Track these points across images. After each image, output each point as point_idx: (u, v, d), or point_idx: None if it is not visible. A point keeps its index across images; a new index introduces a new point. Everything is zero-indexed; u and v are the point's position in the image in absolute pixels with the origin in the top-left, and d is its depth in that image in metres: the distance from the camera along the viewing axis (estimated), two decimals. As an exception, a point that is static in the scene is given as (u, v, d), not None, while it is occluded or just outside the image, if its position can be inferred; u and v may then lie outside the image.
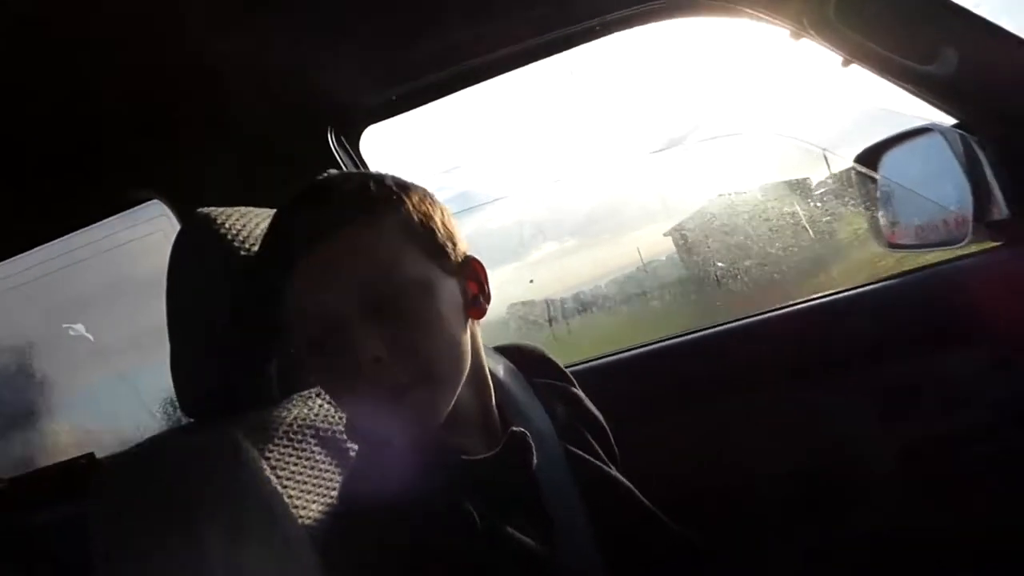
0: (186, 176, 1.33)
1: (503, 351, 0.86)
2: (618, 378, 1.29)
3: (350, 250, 0.64)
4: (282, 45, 1.11)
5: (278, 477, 0.66)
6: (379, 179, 0.69)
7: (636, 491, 0.80)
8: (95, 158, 1.30)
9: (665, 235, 1.93)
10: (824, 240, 1.71)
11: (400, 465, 0.66)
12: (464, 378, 0.69)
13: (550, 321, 1.88)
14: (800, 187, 1.80)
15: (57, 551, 1.35)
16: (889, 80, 1.14)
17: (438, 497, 0.65)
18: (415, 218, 0.68)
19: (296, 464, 0.71)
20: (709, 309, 1.84)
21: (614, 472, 0.81)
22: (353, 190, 0.67)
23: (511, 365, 0.84)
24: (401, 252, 0.66)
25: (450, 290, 0.69)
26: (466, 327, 0.70)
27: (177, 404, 0.72)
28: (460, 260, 0.72)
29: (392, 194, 0.68)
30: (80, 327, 1.60)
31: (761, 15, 1.14)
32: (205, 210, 0.74)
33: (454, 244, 0.71)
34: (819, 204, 1.73)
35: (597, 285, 2.04)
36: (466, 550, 0.63)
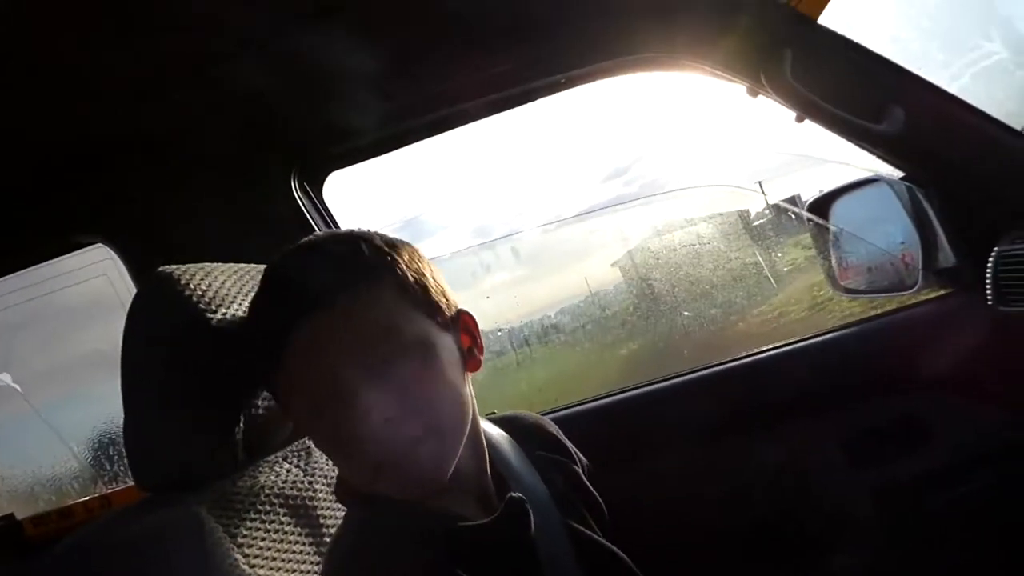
0: (136, 221, 1.28)
1: (499, 422, 0.85)
2: (584, 425, 1.28)
3: (349, 316, 0.63)
4: (251, 89, 1.09)
5: (245, 555, 0.62)
6: (369, 239, 0.68)
7: (632, 565, 0.78)
8: (39, 199, 1.24)
9: (612, 266, 2.01)
10: (759, 267, 1.79)
11: (393, 530, 0.64)
12: (467, 432, 0.68)
13: (515, 349, 1.90)
14: (739, 219, 1.86)
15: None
16: (841, 136, 1.19)
17: (433, 565, 0.62)
18: (409, 277, 0.67)
19: (264, 539, 0.66)
20: (660, 340, 1.88)
21: (611, 546, 0.79)
22: (346, 254, 0.65)
23: (505, 434, 0.82)
24: (399, 313, 0.65)
25: (447, 345, 0.69)
26: (465, 381, 0.70)
27: (131, 470, 0.67)
28: (453, 314, 0.72)
29: (385, 255, 0.67)
30: (6, 377, 1.51)
31: (722, 73, 1.18)
32: (167, 269, 0.71)
33: (447, 299, 0.71)
34: (755, 235, 1.81)
35: (546, 315, 2.10)
36: None
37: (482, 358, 0.74)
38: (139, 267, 1.27)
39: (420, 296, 0.68)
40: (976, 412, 1.18)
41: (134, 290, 1.30)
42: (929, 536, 1.15)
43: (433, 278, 0.70)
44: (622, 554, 0.78)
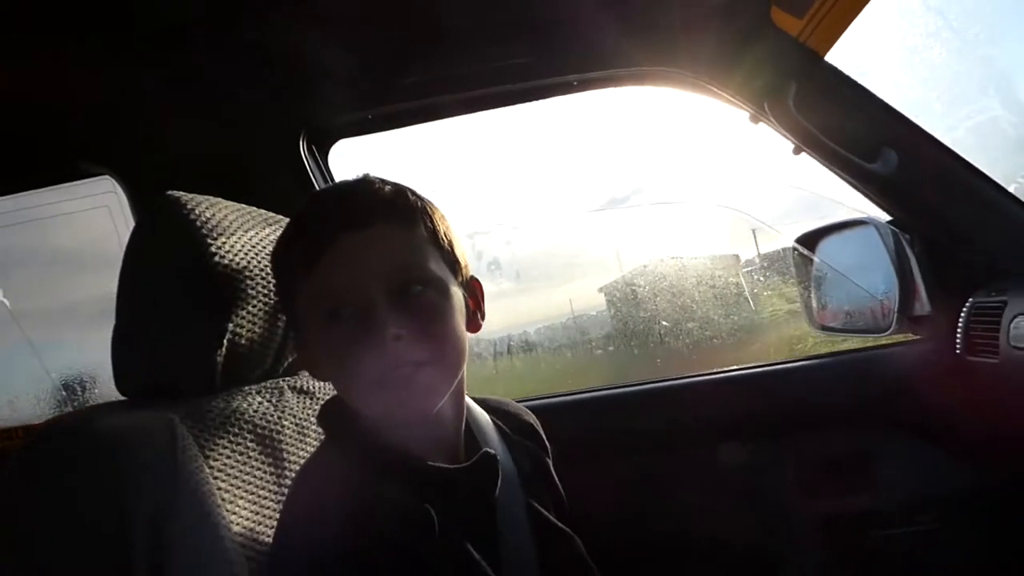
0: (145, 159, 1.31)
1: (480, 402, 0.89)
2: (561, 417, 1.31)
3: (383, 239, 0.70)
4: (271, 43, 1.12)
5: (210, 468, 0.65)
6: (411, 189, 0.76)
7: (583, 551, 0.82)
8: (54, 123, 1.27)
9: (599, 291, 2.01)
10: (744, 314, 1.80)
11: (368, 461, 0.68)
12: (457, 380, 0.74)
13: (495, 356, 1.92)
14: (729, 262, 1.90)
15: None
16: (834, 171, 1.23)
17: (403, 498, 0.66)
18: (439, 229, 0.75)
19: (230, 458, 0.69)
20: (630, 366, 1.90)
21: (567, 529, 0.83)
22: (391, 193, 0.74)
23: (483, 411, 0.87)
24: (427, 253, 0.73)
25: (459, 297, 0.76)
26: (465, 335, 0.76)
27: (115, 380, 0.70)
28: (467, 277, 0.79)
29: (423, 204, 0.76)
30: (-1, 293, 1.53)
31: (727, 95, 1.23)
32: (175, 194, 0.74)
33: (463, 262, 0.78)
34: (743, 281, 1.83)
35: (526, 331, 2.10)
36: (421, 550, 0.63)
37: (482, 324, 0.80)
38: (141, 203, 1.30)
39: (445, 248, 0.75)
40: (929, 456, 1.22)
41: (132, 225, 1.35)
42: (864, 571, 1.19)
43: (455, 241, 0.78)
44: (576, 538, 0.82)
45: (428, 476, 0.70)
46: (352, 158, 1.48)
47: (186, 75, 1.23)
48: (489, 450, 0.74)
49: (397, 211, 0.72)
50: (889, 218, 1.30)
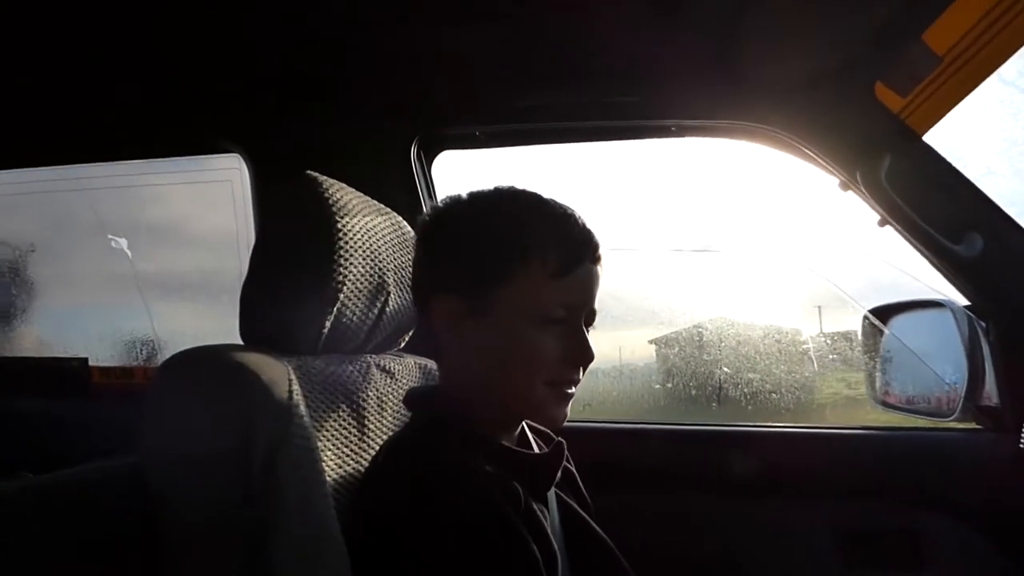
0: (274, 144, 1.44)
1: None
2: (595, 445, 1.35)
3: (599, 283, 0.83)
4: (401, 53, 1.23)
5: (310, 414, 0.73)
6: None
7: (605, 538, 0.87)
8: (202, 99, 1.41)
9: (650, 342, 1.98)
10: (798, 393, 1.73)
11: (460, 442, 0.77)
12: None
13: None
14: (792, 335, 1.85)
15: (38, 442, 1.39)
16: (917, 248, 1.25)
17: (494, 470, 0.74)
18: None
19: (324, 412, 0.77)
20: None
21: (599, 529, 0.90)
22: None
23: None
24: None
25: None
26: None
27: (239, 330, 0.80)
28: None
29: None
30: (123, 242, 1.69)
31: (821, 159, 1.26)
32: (312, 174, 0.84)
33: None
34: (803, 358, 1.78)
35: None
36: (511, 520, 0.70)
37: None
38: (262, 182, 1.43)
39: None
40: (976, 545, 1.19)
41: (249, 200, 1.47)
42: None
43: None
44: (605, 537, 0.88)
45: (514, 459, 0.79)
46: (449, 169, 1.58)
47: (320, 73, 1.36)
48: (561, 440, 0.83)
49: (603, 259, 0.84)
50: (967, 303, 1.30)
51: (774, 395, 1.68)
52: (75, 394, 1.58)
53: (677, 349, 1.85)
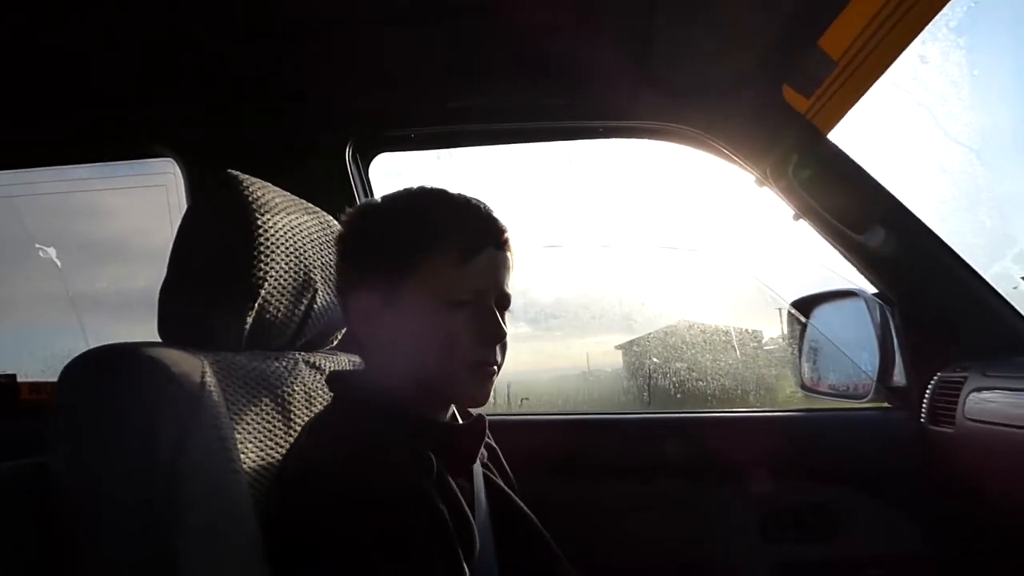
0: (207, 145, 1.43)
1: None
2: (540, 436, 1.39)
3: (509, 269, 0.87)
4: (336, 58, 1.25)
5: (229, 409, 0.74)
6: None
7: (529, 513, 0.90)
8: (132, 104, 1.40)
9: (616, 348, 2.01)
10: (762, 393, 1.78)
11: (378, 416, 0.79)
12: None
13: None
14: (752, 338, 1.91)
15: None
16: (827, 240, 1.32)
17: (408, 440, 0.77)
18: None
19: (246, 405, 0.78)
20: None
21: (512, 495, 0.93)
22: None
23: None
24: None
25: None
26: None
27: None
28: None
29: None
30: (51, 251, 1.65)
31: (735, 158, 1.32)
32: (234, 173, 0.85)
33: None
34: (764, 359, 1.83)
35: (538, 378, 2.06)
36: (427, 487, 0.73)
37: None
38: (196, 186, 1.43)
39: None
40: (884, 514, 1.27)
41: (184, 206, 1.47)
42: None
43: None
44: (529, 513, 0.91)
45: (432, 428, 0.83)
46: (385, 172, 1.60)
47: (257, 74, 1.36)
48: (482, 413, 0.86)
49: (514, 244, 0.88)
50: (876, 291, 1.38)
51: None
52: (3, 410, 1.54)
53: (642, 353, 1.88)
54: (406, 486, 0.70)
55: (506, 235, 0.86)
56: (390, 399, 0.83)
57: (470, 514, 0.77)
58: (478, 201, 0.87)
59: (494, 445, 1.02)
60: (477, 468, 0.89)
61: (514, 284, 0.89)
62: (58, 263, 1.65)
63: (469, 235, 0.83)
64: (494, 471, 0.96)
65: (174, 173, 1.51)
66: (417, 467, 0.75)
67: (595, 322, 1.98)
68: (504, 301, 0.86)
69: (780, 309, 1.84)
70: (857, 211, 1.27)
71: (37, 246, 1.66)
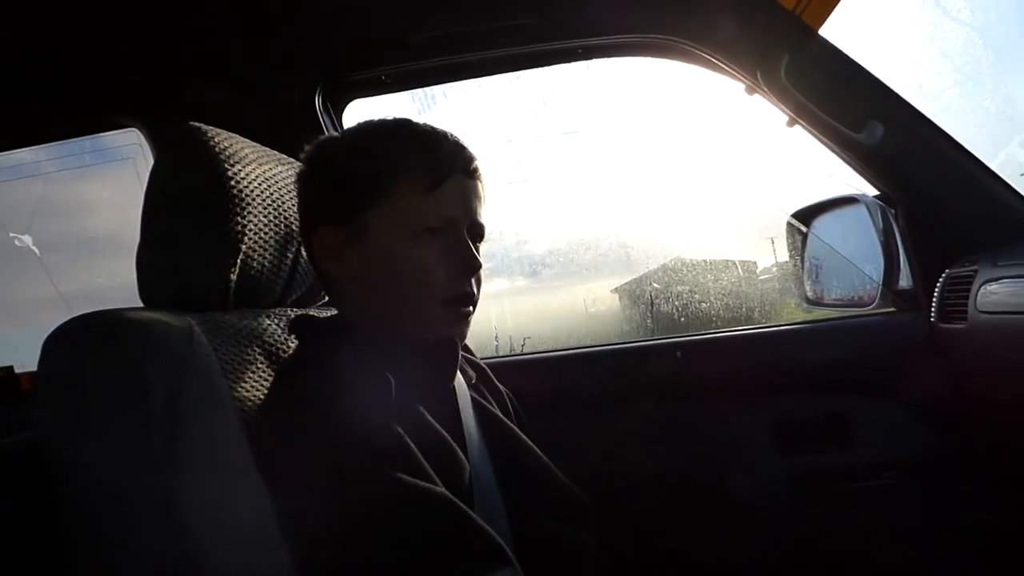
0: (170, 109, 1.37)
1: None
2: (541, 373, 1.38)
3: (481, 197, 0.85)
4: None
5: (224, 369, 0.72)
6: None
7: (528, 442, 0.90)
8: (85, 76, 1.34)
9: (612, 292, 2.00)
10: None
11: (349, 352, 0.76)
12: None
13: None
14: (747, 268, 1.89)
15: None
16: (824, 143, 1.28)
17: (367, 366, 0.74)
18: None
19: (241, 363, 0.76)
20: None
21: (508, 422, 0.92)
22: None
23: None
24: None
25: None
26: None
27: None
28: None
29: None
30: (28, 239, 1.61)
31: (723, 65, 1.27)
32: (196, 124, 0.80)
33: None
34: (759, 288, 1.82)
35: (542, 330, 2.03)
36: (379, 412, 0.70)
37: None
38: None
39: None
40: (897, 418, 1.27)
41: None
42: (831, 520, 1.24)
43: None
44: (523, 436, 0.90)
45: (395, 348, 0.79)
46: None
47: (211, 27, 1.29)
48: (453, 336, 0.83)
49: (483, 174, 0.85)
50: (877, 193, 1.34)
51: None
52: (6, 405, 1.52)
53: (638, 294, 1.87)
54: (352, 418, 0.68)
55: (475, 163, 0.84)
56: (361, 332, 0.81)
57: (446, 435, 0.76)
58: (445, 130, 0.84)
59: (491, 376, 1.00)
60: (462, 392, 0.87)
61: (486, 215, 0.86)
62: (36, 251, 1.61)
63: (437, 161, 0.80)
64: (490, 400, 0.94)
65: (140, 144, 1.45)
66: (371, 390, 0.72)
67: (594, 265, 1.96)
68: (477, 231, 0.84)
69: (772, 239, 1.83)
70: (854, 108, 1.23)
71: (12, 235, 1.61)
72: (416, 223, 0.79)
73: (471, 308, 0.82)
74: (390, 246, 0.79)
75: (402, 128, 0.83)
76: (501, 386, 1.02)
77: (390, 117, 0.85)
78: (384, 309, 0.81)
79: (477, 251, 0.83)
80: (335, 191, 0.81)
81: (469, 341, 1.02)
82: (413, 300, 0.80)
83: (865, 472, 1.26)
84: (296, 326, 0.85)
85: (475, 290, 0.82)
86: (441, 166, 0.80)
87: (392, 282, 0.80)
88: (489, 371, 1.01)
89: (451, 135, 0.83)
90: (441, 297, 0.80)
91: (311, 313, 0.96)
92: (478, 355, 1.06)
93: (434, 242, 0.79)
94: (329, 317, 0.90)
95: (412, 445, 0.68)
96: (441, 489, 0.67)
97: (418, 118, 0.86)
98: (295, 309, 0.96)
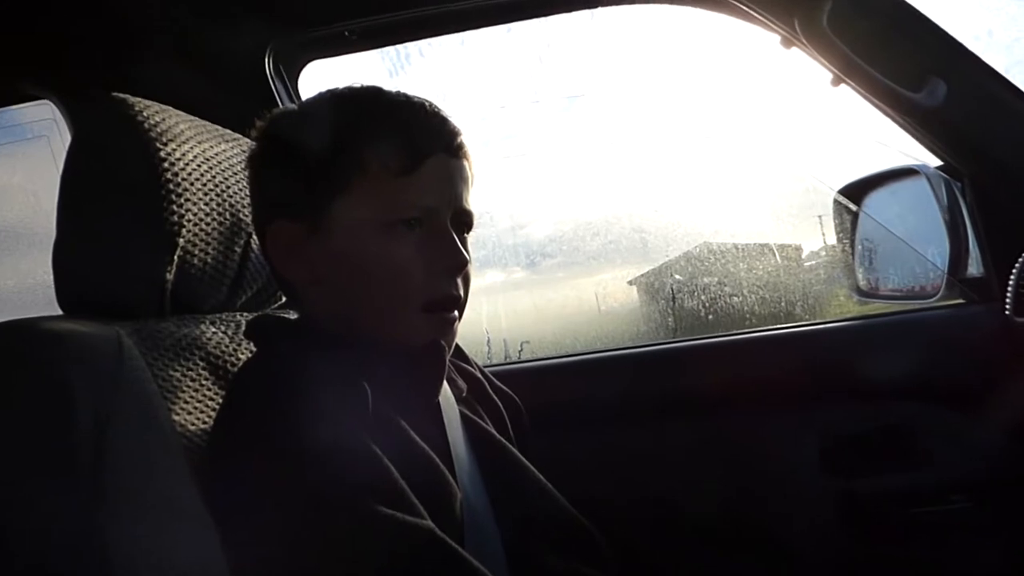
0: (87, 76, 1.36)
1: None
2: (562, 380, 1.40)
3: (467, 176, 0.84)
4: None
5: (160, 386, 0.72)
6: None
7: (531, 467, 0.90)
8: None
9: (629, 283, 1.99)
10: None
11: (313, 357, 0.76)
12: None
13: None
14: (786, 254, 1.87)
15: None
16: (875, 104, 1.28)
17: (340, 372, 0.74)
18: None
19: (180, 381, 0.76)
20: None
21: (505, 442, 0.92)
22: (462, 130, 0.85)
23: None
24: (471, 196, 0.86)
25: None
26: None
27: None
28: None
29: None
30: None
31: (755, 12, 1.27)
32: (120, 95, 0.80)
33: None
34: (806, 278, 1.80)
35: (543, 332, 1.97)
36: (353, 423, 0.71)
37: None
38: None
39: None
40: (968, 429, 1.28)
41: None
42: (891, 552, 1.25)
43: None
44: (520, 455, 0.91)
45: (371, 353, 0.79)
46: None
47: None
48: (439, 340, 0.83)
49: (470, 152, 0.85)
50: (940, 164, 1.35)
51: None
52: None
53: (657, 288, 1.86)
54: (327, 428, 0.68)
55: (460, 139, 0.83)
56: (329, 335, 0.82)
57: (434, 456, 0.76)
58: (423, 99, 0.83)
59: (486, 387, 1.01)
60: (450, 407, 0.87)
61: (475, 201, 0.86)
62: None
63: (412, 138, 0.79)
64: (484, 417, 0.95)
65: (54, 119, 1.45)
66: (345, 400, 0.72)
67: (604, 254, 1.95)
68: (464, 220, 0.84)
69: (820, 217, 1.82)
70: (910, 62, 1.23)
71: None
72: (388, 213, 0.78)
73: (457, 313, 0.82)
74: (358, 242, 0.79)
75: (370, 97, 0.83)
76: (506, 391, 1.03)
77: (356, 84, 0.84)
78: (353, 315, 0.81)
79: (464, 244, 0.82)
80: (291, 177, 0.81)
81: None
82: (387, 306, 0.80)
83: (930, 495, 1.27)
84: (253, 328, 0.85)
85: (461, 291, 0.82)
86: (417, 144, 0.79)
87: (361, 285, 0.80)
88: (484, 380, 1.02)
89: (430, 104, 0.83)
90: (420, 301, 0.80)
91: (271, 314, 0.97)
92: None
93: (410, 235, 0.79)
94: (293, 319, 0.90)
95: (392, 468, 0.69)
96: (427, 522, 0.67)
97: (390, 84, 0.86)
98: (246, 314, 0.96)
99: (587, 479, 1.01)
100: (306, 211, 0.80)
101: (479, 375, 1.02)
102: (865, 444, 1.30)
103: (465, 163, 0.84)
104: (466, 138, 0.84)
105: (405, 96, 0.83)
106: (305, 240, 0.81)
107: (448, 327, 0.82)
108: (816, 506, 1.30)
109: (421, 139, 0.80)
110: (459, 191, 0.82)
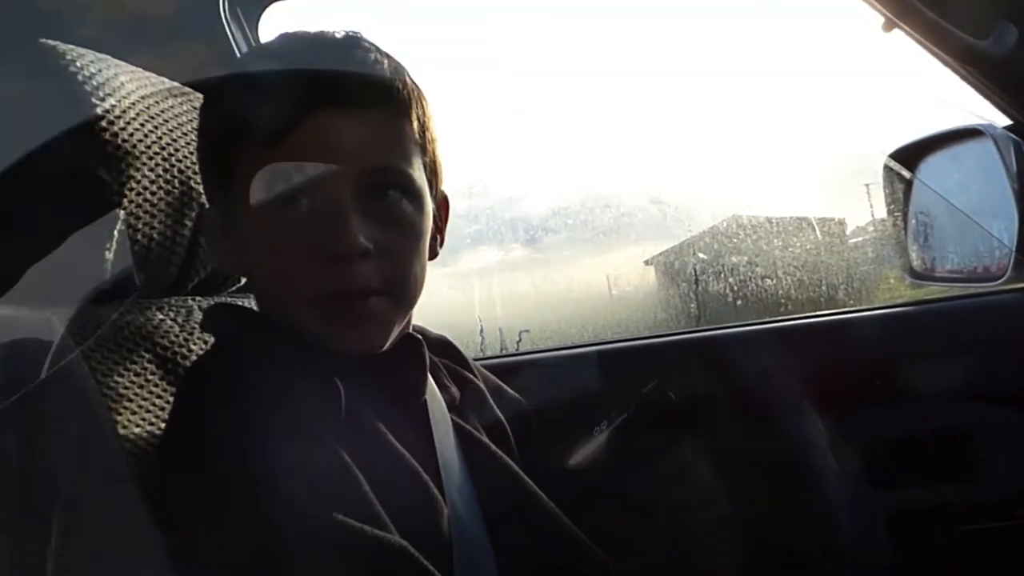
0: (14, 23, 1.36)
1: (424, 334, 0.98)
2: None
3: (374, 127, 0.78)
4: None
5: (98, 383, 0.73)
6: (402, 67, 0.83)
7: (529, 482, 0.91)
8: None
9: (646, 263, 2.05)
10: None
11: (277, 353, 0.77)
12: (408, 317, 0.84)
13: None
14: (828, 229, 1.91)
15: None
16: (934, 53, 1.28)
17: (309, 373, 0.75)
18: (429, 126, 0.84)
19: (122, 376, 0.77)
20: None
21: (505, 456, 0.93)
22: (391, 68, 0.81)
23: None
24: (413, 153, 0.81)
25: (431, 216, 0.84)
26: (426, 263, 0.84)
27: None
28: (440, 191, 0.88)
29: (418, 91, 0.82)
30: None
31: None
32: (48, 42, 0.80)
33: (440, 171, 0.87)
34: (850, 257, 1.84)
35: (545, 320, 1.99)
36: (323, 429, 0.71)
37: (440, 251, 0.90)
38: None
39: (429, 150, 0.84)
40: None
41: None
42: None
43: (438, 142, 0.86)
44: (518, 469, 0.92)
45: (343, 363, 0.78)
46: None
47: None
48: (413, 333, 0.84)
49: (393, 95, 0.79)
50: (1009, 123, 1.35)
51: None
52: None
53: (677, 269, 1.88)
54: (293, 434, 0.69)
55: (364, 84, 0.78)
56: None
57: (416, 464, 0.77)
58: (322, 42, 0.81)
59: (487, 396, 1.01)
60: (440, 415, 0.88)
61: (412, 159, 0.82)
62: None
63: (282, 97, 0.76)
64: (478, 427, 0.95)
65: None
66: (315, 404, 0.73)
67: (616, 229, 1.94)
68: (382, 181, 0.78)
69: (867, 185, 1.81)
70: (977, 4, 1.22)
71: None
72: (263, 192, 0.75)
73: (367, 302, 0.77)
74: (251, 231, 0.78)
75: (271, 54, 0.84)
76: (516, 398, 1.04)
77: (288, 32, 0.84)
78: (273, 308, 0.82)
79: (388, 214, 0.78)
80: (201, 160, 0.84)
81: (447, 335, 1.04)
82: (278, 303, 0.80)
83: (994, 509, 1.28)
84: (212, 316, 0.86)
85: (372, 278, 0.76)
86: (287, 104, 0.74)
87: (260, 280, 0.82)
88: (486, 390, 1.01)
89: (336, 49, 0.80)
90: (308, 296, 0.76)
91: (229, 300, 0.97)
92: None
93: (296, 216, 0.75)
94: (253, 310, 0.92)
95: (361, 477, 0.69)
96: (397, 539, 0.68)
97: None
98: (198, 298, 0.96)
99: (595, 491, 1.02)
100: (215, 200, 0.83)
101: (480, 384, 1.01)
102: (916, 451, 1.31)
103: (374, 114, 0.78)
104: (382, 82, 0.79)
105: (309, 38, 0.82)
106: (222, 231, 0.82)
107: (351, 322, 0.77)
108: (855, 522, 1.31)
109: (294, 97, 0.75)
110: (360, 149, 0.76)
